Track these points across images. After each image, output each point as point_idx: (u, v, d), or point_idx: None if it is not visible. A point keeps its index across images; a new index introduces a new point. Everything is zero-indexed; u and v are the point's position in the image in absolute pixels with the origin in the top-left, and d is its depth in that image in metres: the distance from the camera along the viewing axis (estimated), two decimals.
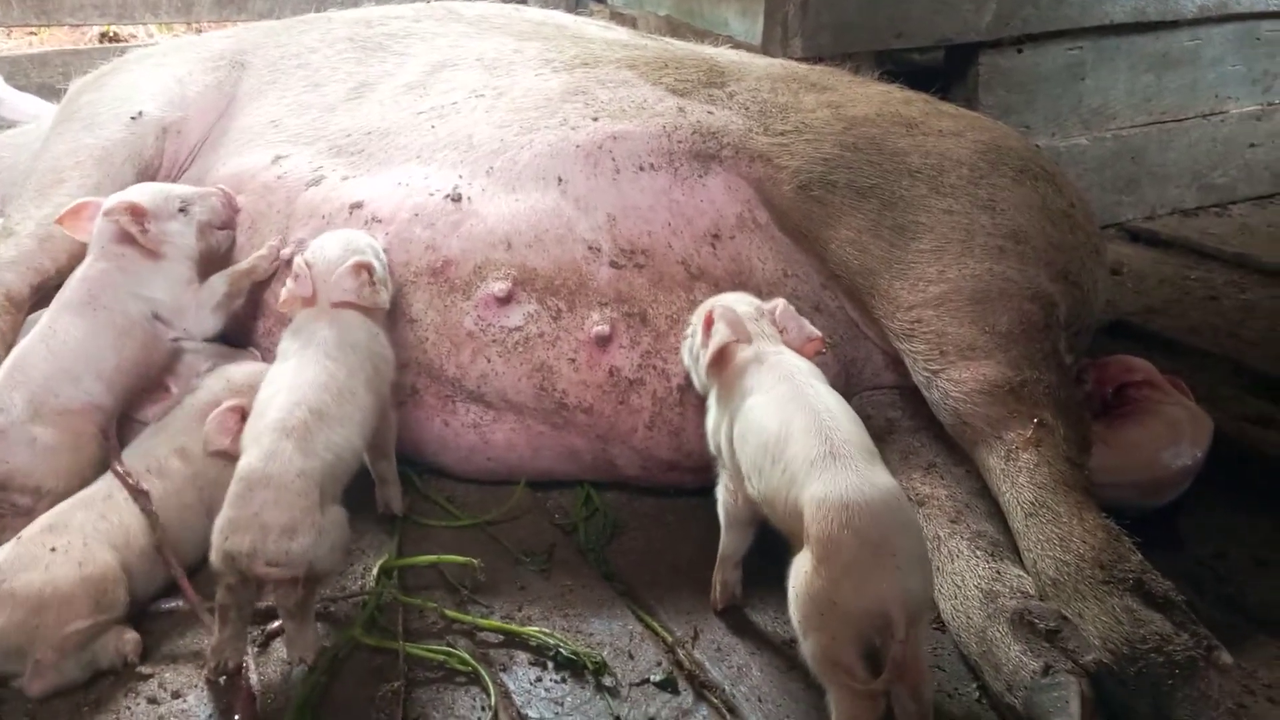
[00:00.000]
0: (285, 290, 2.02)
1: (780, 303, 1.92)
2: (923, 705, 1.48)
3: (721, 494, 1.85)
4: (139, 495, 1.88)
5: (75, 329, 2.05)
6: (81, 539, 1.77)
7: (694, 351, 1.93)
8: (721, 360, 1.82)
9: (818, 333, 1.89)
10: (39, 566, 1.71)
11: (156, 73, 2.66)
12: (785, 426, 1.62)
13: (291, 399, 1.80)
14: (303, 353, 1.91)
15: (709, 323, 1.86)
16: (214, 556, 1.66)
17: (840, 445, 1.56)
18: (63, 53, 4.53)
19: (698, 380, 1.94)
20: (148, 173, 2.51)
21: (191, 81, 2.64)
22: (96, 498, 1.87)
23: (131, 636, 1.76)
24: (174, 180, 2.57)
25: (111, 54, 2.94)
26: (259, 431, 1.76)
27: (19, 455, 1.93)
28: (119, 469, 1.92)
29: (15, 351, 2.03)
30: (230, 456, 1.85)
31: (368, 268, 2.02)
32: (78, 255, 2.20)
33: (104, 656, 1.73)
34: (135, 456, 1.97)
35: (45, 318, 2.09)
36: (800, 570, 1.49)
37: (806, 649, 1.49)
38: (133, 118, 2.53)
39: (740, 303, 1.91)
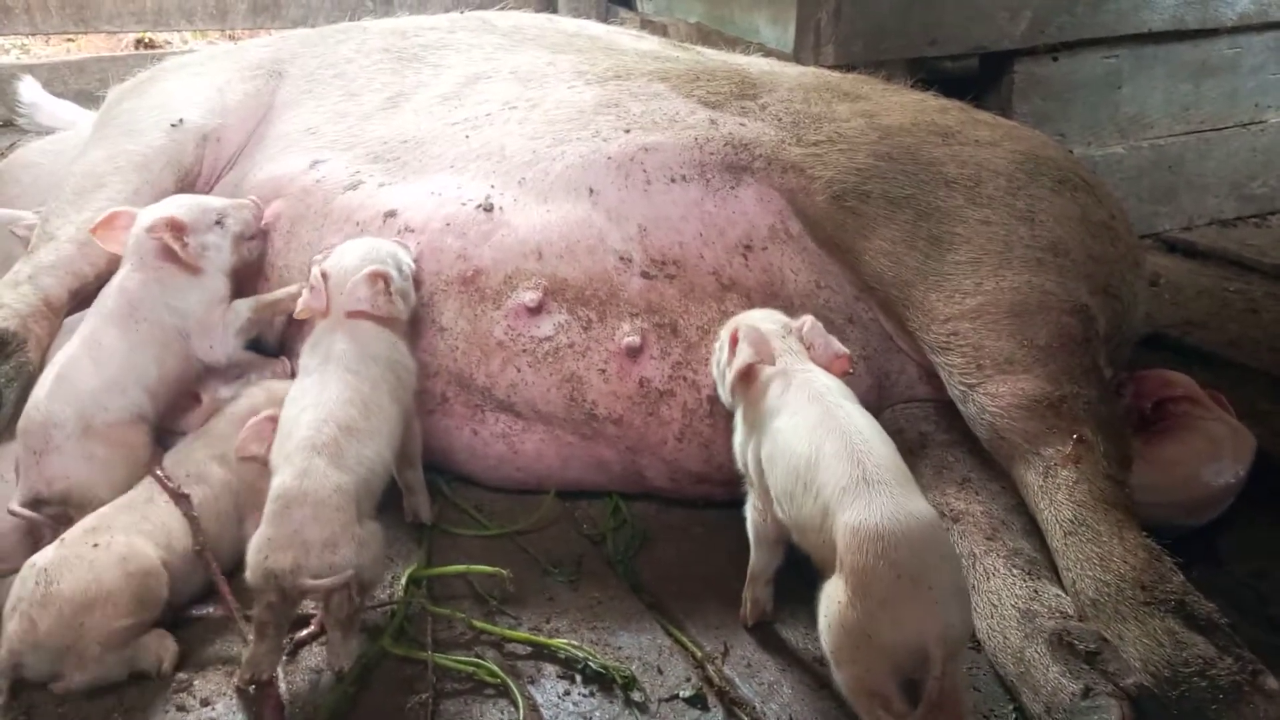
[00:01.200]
0: (300, 301, 2.03)
1: (808, 319, 1.88)
2: None
3: (750, 513, 1.82)
4: (180, 499, 1.89)
5: (119, 341, 2.06)
6: (124, 537, 1.79)
7: (720, 368, 1.91)
8: (746, 379, 1.79)
9: (845, 350, 1.86)
10: (84, 565, 1.72)
11: (196, 81, 2.69)
12: (815, 451, 1.58)
13: (319, 416, 1.80)
14: (324, 368, 1.91)
15: (734, 341, 1.83)
16: (253, 575, 1.66)
17: (873, 470, 1.52)
18: (100, 60, 4.58)
19: (724, 397, 1.91)
20: (187, 179, 2.53)
21: (230, 90, 2.66)
22: (137, 501, 1.89)
23: (172, 645, 1.78)
24: (211, 186, 2.60)
25: (147, 61, 2.98)
26: (289, 451, 1.76)
27: (78, 470, 1.95)
28: (159, 473, 1.94)
29: (59, 364, 2.03)
30: (261, 463, 1.87)
31: (384, 277, 2.01)
32: (116, 261, 2.21)
33: (144, 658, 1.75)
34: (175, 463, 2.00)
35: (86, 328, 2.10)
36: (833, 600, 1.46)
37: (840, 679, 1.47)
38: (173, 125, 2.55)
39: (766, 320, 1.89)
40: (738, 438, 1.84)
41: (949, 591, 1.42)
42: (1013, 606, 1.72)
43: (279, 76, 2.73)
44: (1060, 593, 1.74)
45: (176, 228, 2.15)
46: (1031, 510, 1.85)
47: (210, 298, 2.19)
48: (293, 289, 2.29)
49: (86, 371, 2.01)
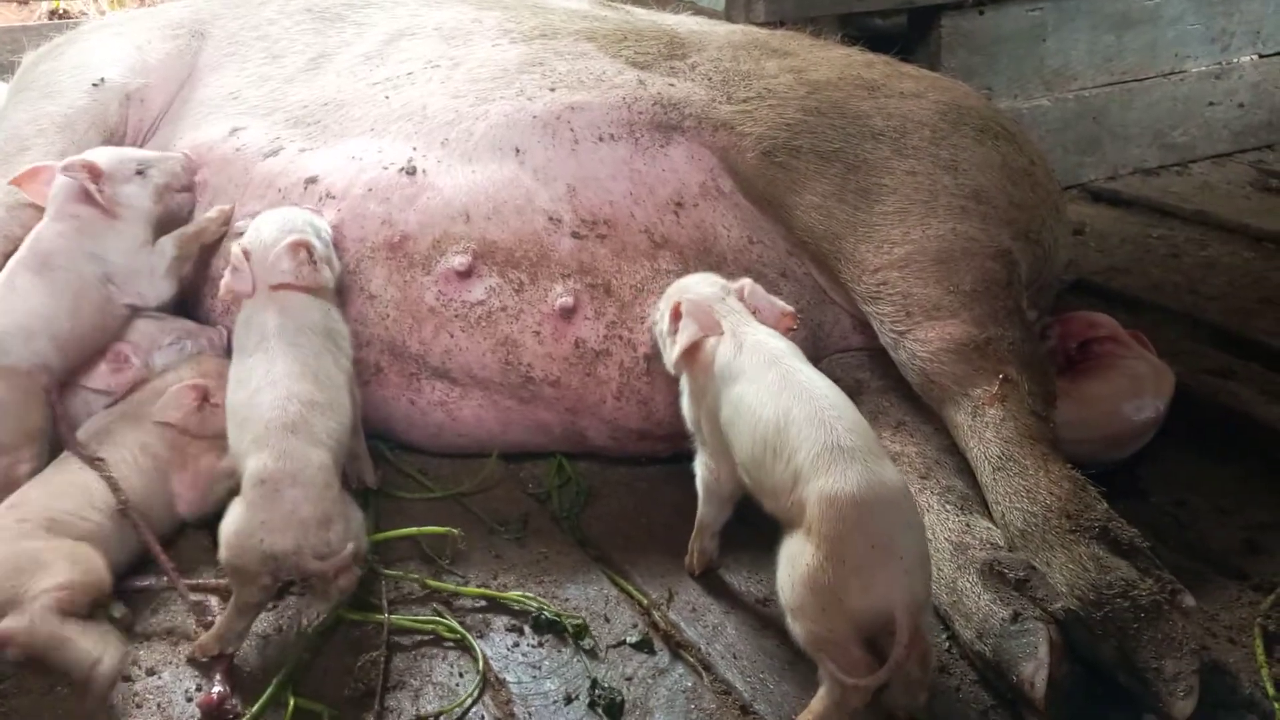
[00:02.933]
0: (223, 283, 1.99)
1: (747, 283, 1.87)
2: (926, 670, 1.50)
3: (701, 470, 1.83)
4: (95, 462, 1.88)
5: (32, 288, 2.03)
6: (43, 511, 1.77)
7: (663, 337, 1.89)
8: (692, 351, 1.77)
9: (789, 308, 1.87)
10: (5, 539, 1.71)
11: (116, 40, 2.63)
12: (783, 416, 1.57)
13: (278, 395, 1.79)
14: (264, 345, 1.88)
15: (676, 314, 1.81)
16: (243, 558, 1.65)
17: (844, 436, 1.52)
18: (11, 29, 4.42)
19: (669, 365, 1.88)
20: (112, 141, 2.48)
21: (151, 49, 2.61)
22: (49, 475, 1.89)
23: (118, 649, 1.64)
24: None
25: (62, 30, 2.89)
26: (259, 434, 1.75)
27: None
28: (72, 439, 1.93)
29: None
30: (178, 431, 1.94)
31: (305, 245, 1.99)
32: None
33: (81, 660, 1.60)
34: (90, 433, 1.98)
35: (2, 276, 2.06)
36: (799, 560, 1.46)
37: (799, 633, 1.48)
38: (94, 84, 2.49)
39: (704, 284, 1.87)
40: (686, 402, 1.84)
41: (916, 559, 1.45)
42: (946, 540, 1.78)
43: (201, 37, 2.67)
44: (991, 526, 1.80)
45: (93, 171, 2.13)
46: (962, 449, 1.90)
47: (130, 244, 2.16)
48: (211, 214, 2.29)
49: None
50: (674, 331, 1.80)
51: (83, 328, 2.08)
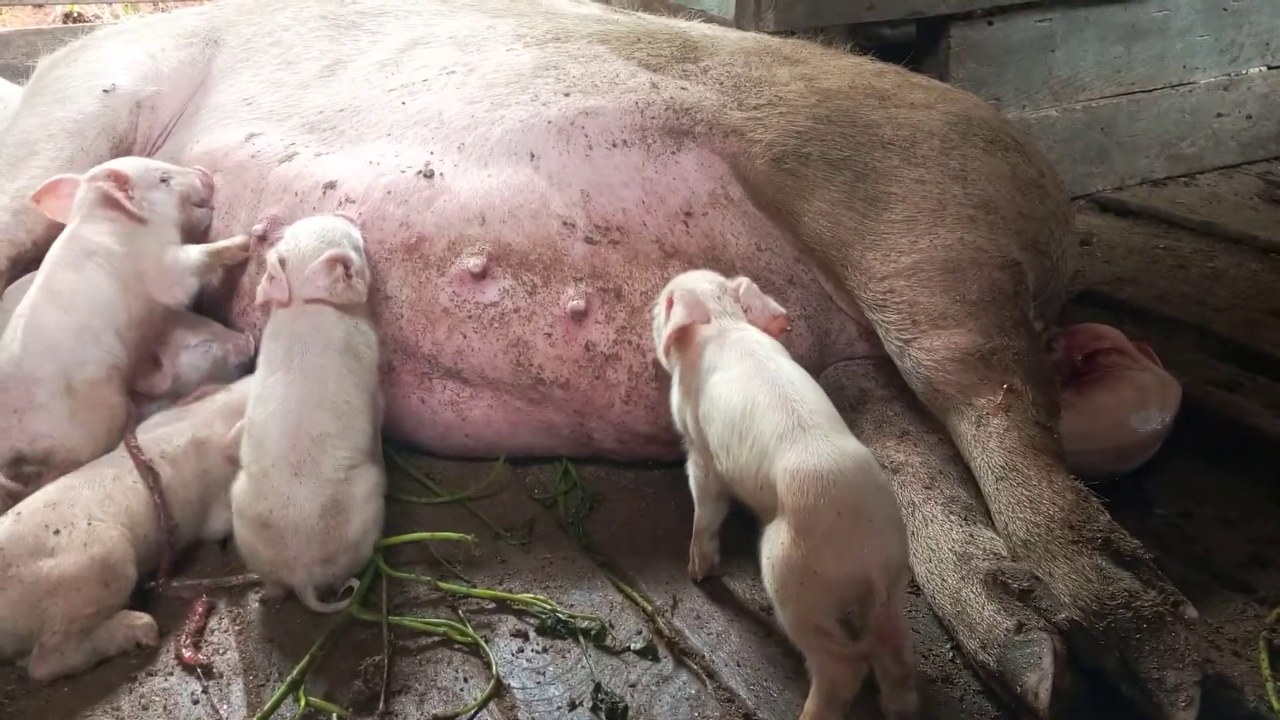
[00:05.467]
0: (260, 290, 2.00)
1: (744, 281, 1.90)
2: (904, 666, 1.51)
3: (692, 470, 1.86)
4: (149, 474, 1.88)
5: (80, 284, 2.04)
6: (86, 520, 1.76)
7: (658, 329, 1.92)
8: (683, 340, 1.80)
9: (782, 310, 1.89)
10: (44, 550, 1.70)
11: (129, 48, 2.65)
12: (749, 402, 1.61)
13: (288, 428, 1.83)
14: (288, 364, 1.91)
15: (670, 303, 1.84)
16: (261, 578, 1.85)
17: (806, 416, 1.55)
18: (26, 33, 4.45)
19: (662, 359, 1.92)
20: (121, 147, 2.50)
21: (164, 57, 2.63)
22: (105, 478, 1.86)
23: (144, 621, 1.76)
24: (147, 157, 2.57)
25: (76, 34, 2.91)
26: (266, 468, 1.81)
27: (59, 429, 1.94)
28: (133, 444, 1.93)
29: (24, 314, 2.00)
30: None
31: (343, 261, 2.00)
32: (55, 228, 2.18)
33: (111, 644, 1.72)
34: (154, 439, 1.97)
35: (40, 278, 2.07)
36: (776, 541, 1.49)
37: (785, 618, 1.50)
38: (105, 90, 2.51)
39: (702, 280, 1.89)
40: (675, 398, 1.86)
41: (886, 523, 1.47)
42: (950, 550, 1.79)
43: (215, 45, 2.69)
44: (994, 535, 1.81)
45: (120, 179, 2.15)
46: (966, 459, 1.91)
47: (158, 247, 2.18)
48: (237, 240, 2.30)
49: (53, 317, 1.99)
50: (668, 320, 1.83)
51: (136, 319, 2.10)
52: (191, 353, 2.24)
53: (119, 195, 2.12)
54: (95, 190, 2.13)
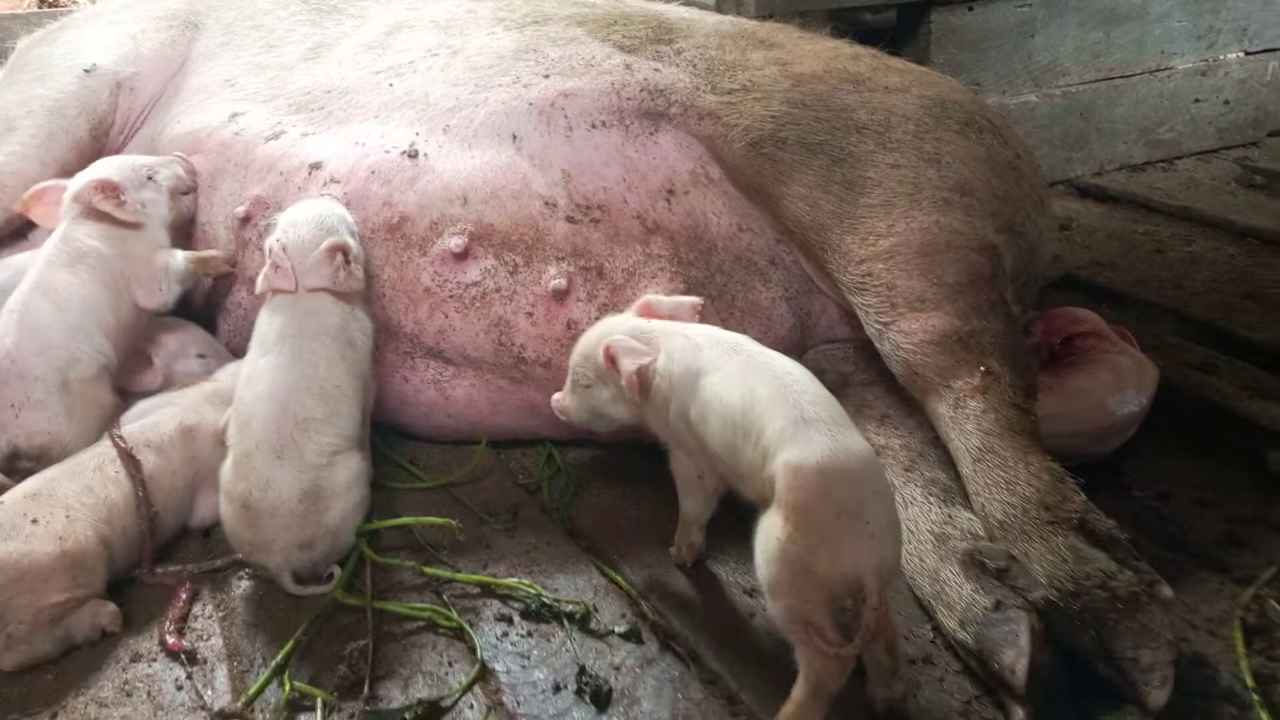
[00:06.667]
0: (262, 279, 1.99)
1: (640, 303, 1.88)
2: (895, 658, 1.53)
3: (678, 468, 1.83)
4: (131, 462, 1.88)
5: (74, 285, 2.04)
6: (64, 512, 1.76)
7: (603, 387, 1.83)
8: (645, 383, 1.73)
9: (692, 298, 1.90)
10: (18, 537, 1.70)
11: (109, 28, 2.66)
12: (749, 398, 1.58)
13: (274, 410, 1.83)
14: (280, 347, 1.91)
15: (609, 357, 1.75)
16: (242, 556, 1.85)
17: (810, 409, 1.53)
18: (1, 17, 4.40)
19: (629, 400, 1.78)
20: (101, 128, 2.51)
21: (144, 38, 2.64)
22: (86, 468, 1.86)
23: (110, 609, 1.76)
24: (126, 139, 2.57)
25: (51, 19, 2.90)
26: (249, 449, 1.81)
27: (56, 425, 1.95)
28: (116, 434, 1.92)
29: (16, 309, 1.99)
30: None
31: (343, 249, 2.00)
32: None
33: (79, 631, 1.73)
34: (141, 427, 1.96)
35: (33, 274, 2.06)
36: (771, 535, 1.47)
37: (776, 610, 1.48)
38: (86, 70, 2.52)
39: (613, 323, 1.84)
40: (652, 421, 1.79)
41: (884, 525, 1.45)
42: (929, 531, 1.80)
43: (195, 28, 2.70)
44: (973, 517, 1.82)
45: (110, 188, 2.13)
46: (944, 441, 1.92)
47: (148, 249, 2.18)
48: (221, 254, 2.31)
49: (48, 314, 1.99)
50: (616, 372, 1.75)
51: (125, 321, 2.11)
52: (190, 363, 2.26)
53: (108, 208, 2.11)
54: (85, 189, 2.12)
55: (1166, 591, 1.58)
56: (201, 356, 2.28)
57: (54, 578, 1.69)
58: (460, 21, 2.55)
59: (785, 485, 1.46)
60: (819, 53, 2.40)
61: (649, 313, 1.87)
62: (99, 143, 2.56)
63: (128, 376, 2.17)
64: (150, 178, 2.23)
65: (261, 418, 1.83)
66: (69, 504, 1.78)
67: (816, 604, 1.43)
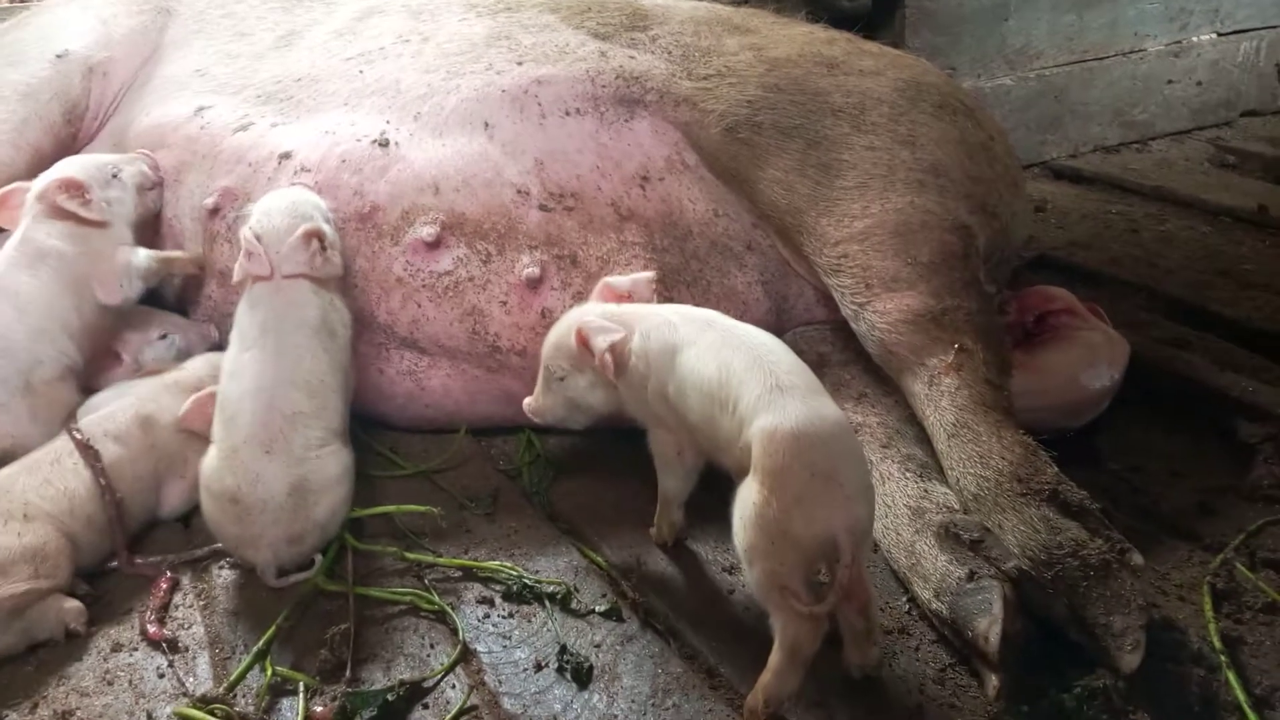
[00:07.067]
0: (238, 267, 1.99)
1: (602, 285, 1.90)
2: (869, 621, 1.55)
3: (657, 447, 1.84)
4: (89, 453, 1.87)
5: (35, 288, 2.04)
6: (22, 506, 1.76)
7: (577, 373, 1.84)
8: (620, 361, 1.75)
9: (646, 273, 1.93)
10: None
11: (81, 14, 2.66)
12: (725, 369, 1.61)
13: (260, 405, 1.83)
14: (262, 340, 1.91)
15: (581, 340, 1.77)
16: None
17: (784, 377, 1.56)
18: None
19: (607, 378, 1.78)
20: (75, 112, 2.51)
21: (116, 23, 2.64)
22: (43, 462, 1.86)
23: (73, 605, 1.75)
24: (100, 124, 2.58)
25: (18, 11, 2.89)
26: (237, 444, 1.81)
27: (20, 428, 1.96)
28: (72, 427, 1.92)
29: None
30: (202, 439, 1.91)
31: (318, 234, 2.00)
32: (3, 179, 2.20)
33: (42, 627, 1.71)
34: (97, 419, 1.96)
35: None
36: (748, 500, 1.50)
37: (752, 576, 1.51)
38: (58, 55, 2.53)
39: (581, 310, 1.86)
40: (629, 399, 1.81)
41: (857, 487, 1.48)
42: (905, 506, 1.82)
43: (168, 14, 2.70)
44: (948, 491, 1.84)
45: (74, 187, 2.13)
46: (919, 418, 1.94)
47: (112, 246, 2.17)
48: (187, 255, 2.32)
49: (10, 319, 1.99)
50: (591, 353, 1.77)
51: (89, 322, 2.11)
52: (155, 347, 2.25)
53: (73, 206, 2.11)
54: (50, 205, 2.11)
55: (1137, 559, 1.61)
56: (163, 337, 2.27)
57: (13, 569, 1.69)
58: (432, 7, 2.55)
59: (761, 450, 1.49)
60: (794, 37, 2.41)
61: (610, 294, 1.89)
62: (73, 127, 2.56)
63: (99, 375, 2.17)
64: (115, 175, 2.23)
65: (248, 413, 1.83)
66: (27, 498, 1.78)
67: (792, 567, 1.46)
